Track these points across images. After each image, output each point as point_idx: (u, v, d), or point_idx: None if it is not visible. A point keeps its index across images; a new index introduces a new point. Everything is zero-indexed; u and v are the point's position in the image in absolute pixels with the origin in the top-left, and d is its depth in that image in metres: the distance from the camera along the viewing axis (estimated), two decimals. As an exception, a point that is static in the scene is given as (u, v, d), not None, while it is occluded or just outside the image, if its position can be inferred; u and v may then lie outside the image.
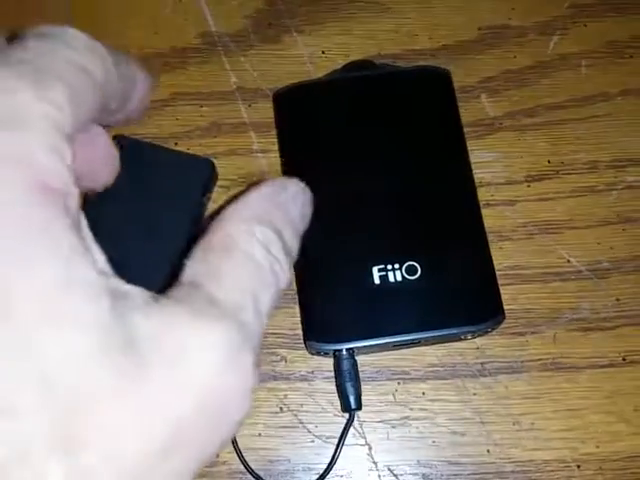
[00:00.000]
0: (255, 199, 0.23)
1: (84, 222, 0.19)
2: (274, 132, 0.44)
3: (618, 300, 0.41)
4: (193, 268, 0.21)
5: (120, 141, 0.37)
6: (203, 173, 0.38)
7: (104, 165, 0.27)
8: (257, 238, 0.22)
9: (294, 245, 0.23)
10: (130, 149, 0.37)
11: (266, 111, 0.45)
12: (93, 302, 0.16)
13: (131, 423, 0.16)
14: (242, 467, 0.38)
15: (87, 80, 0.19)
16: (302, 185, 0.25)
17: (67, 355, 0.15)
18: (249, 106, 0.45)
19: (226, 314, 0.19)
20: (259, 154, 0.44)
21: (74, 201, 0.17)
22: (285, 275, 0.22)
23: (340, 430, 0.39)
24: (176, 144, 0.44)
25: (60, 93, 0.18)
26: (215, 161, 0.41)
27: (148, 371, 0.16)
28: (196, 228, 0.38)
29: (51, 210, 0.16)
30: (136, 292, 0.18)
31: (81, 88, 0.19)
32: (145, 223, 0.36)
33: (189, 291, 0.20)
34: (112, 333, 0.16)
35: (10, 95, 0.17)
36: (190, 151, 0.43)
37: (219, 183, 0.43)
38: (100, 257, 0.18)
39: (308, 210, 0.25)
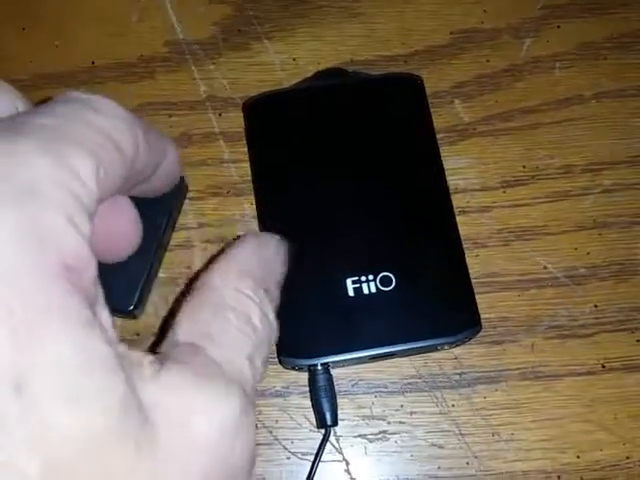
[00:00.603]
0: (240, 256, 0.24)
1: (100, 293, 0.18)
2: (245, 142, 0.43)
3: (596, 307, 0.40)
4: (187, 327, 0.21)
5: None
6: (172, 190, 0.37)
7: (125, 239, 0.27)
8: (249, 296, 0.22)
9: (277, 296, 0.24)
10: None
11: (237, 120, 0.44)
12: (110, 378, 0.16)
13: None
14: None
15: (114, 150, 0.18)
16: (280, 238, 0.26)
17: (87, 437, 0.15)
18: (219, 115, 0.44)
19: (228, 377, 0.19)
20: (230, 164, 0.43)
21: (92, 274, 0.17)
22: (275, 329, 0.23)
23: (316, 446, 0.38)
24: (145, 155, 0.43)
25: (81, 161, 0.17)
26: (184, 173, 0.40)
27: (160, 443, 0.16)
28: (163, 246, 0.36)
29: (68, 287, 0.16)
30: (142, 358, 0.18)
31: (107, 158, 0.18)
32: None
33: (188, 353, 0.19)
34: (130, 409, 0.16)
35: (28, 166, 0.16)
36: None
37: (189, 195, 0.42)
38: (109, 324, 0.17)
39: (286, 260, 0.25)
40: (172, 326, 0.21)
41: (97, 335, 0.16)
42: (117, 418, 0.15)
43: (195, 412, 0.18)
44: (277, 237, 0.26)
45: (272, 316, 0.22)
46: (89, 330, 0.16)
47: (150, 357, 0.18)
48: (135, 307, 0.33)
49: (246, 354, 0.20)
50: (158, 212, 0.36)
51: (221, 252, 0.24)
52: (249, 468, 0.19)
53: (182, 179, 0.37)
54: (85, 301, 0.16)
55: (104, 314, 0.17)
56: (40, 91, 0.44)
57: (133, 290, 0.33)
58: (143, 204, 0.35)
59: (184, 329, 0.21)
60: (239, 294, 0.22)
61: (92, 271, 0.17)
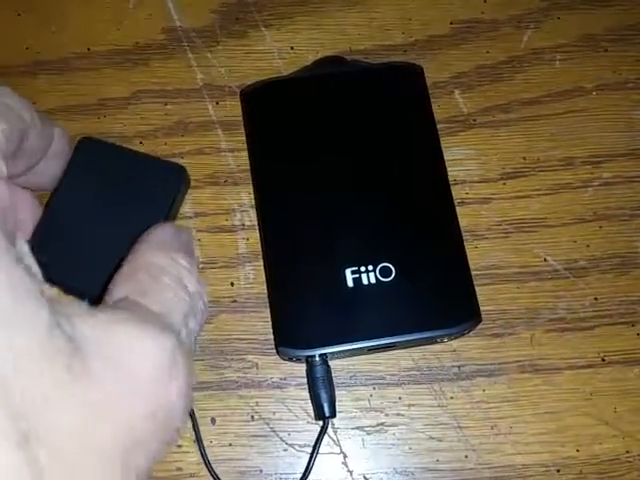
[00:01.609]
0: (166, 232, 0.26)
1: (20, 235, 0.19)
2: (243, 130, 0.42)
3: (596, 299, 0.40)
4: (123, 287, 0.22)
5: (85, 143, 0.35)
6: (174, 181, 0.36)
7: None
8: (183, 265, 0.24)
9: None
10: (97, 151, 0.35)
11: (234, 109, 0.43)
12: (35, 306, 0.17)
13: (79, 422, 0.17)
14: (212, 479, 0.37)
15: (16, 118, 0.24)
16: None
17: (16, 356, 0.16)
18: (216, 104, 0.44)
19: (165, 325, 0.20)
20: (227, 153, 0.43)
21: (13, 214, 0.19)
22: (205, 301, 0.25)
23: (314, 438, 0.37)
24: (141, 143, 0.42)
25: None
26: (185, 164, 0.39)
27: (94, 373, 0.17)
28: None
29: None
30: (77, 302, 0.19)
31: (11, 121, 0.23)
32: (112, 232, 0.33)
33: (127, 304, 0.21)
34: (55, 333, 0.17)
35: None
36: (156, 150, 0.42)
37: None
38: (37, 270, 0.19)
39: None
40: (108, 287, 0.22)
41: (18, 268, 0.17)
42: (44, 339, 0.16)
43: (130, 350, 0.18)
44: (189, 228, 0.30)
45: (201, 288, 0.24)
46: (11, 262, 0.17)
47: (87, 304, 0.19)
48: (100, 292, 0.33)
49: (181, 313, 0.22)
50: (158, 204, 0.35)
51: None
52: (184, 406, 0.19)
53: (184, 170, 0.36)
54: (9, 239, 0.17)
55: (30, 259, 0.19)
56: (36, 77, 0.43)
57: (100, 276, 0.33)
58: (143, 196, 0.35)
59: (121, 288, 0.22)
60: (173, 261, 0.24)
61: (13, 211, 0.19)
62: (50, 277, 0.21)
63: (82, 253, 0.34)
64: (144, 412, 0.18)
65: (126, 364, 0.18)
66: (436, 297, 0.37)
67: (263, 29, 0.45)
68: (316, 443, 0.37)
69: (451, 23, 0.46)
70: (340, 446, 0.38)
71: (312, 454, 0.37)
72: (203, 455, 0.37)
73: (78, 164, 0.34)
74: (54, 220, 0.34)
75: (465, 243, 0.39)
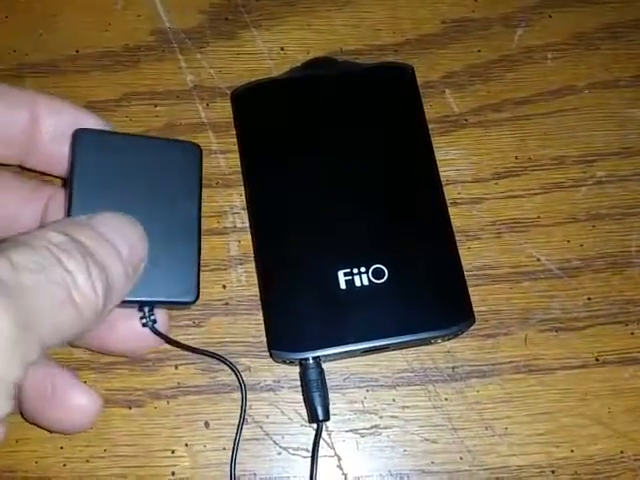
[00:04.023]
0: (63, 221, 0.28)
1: None
2: (234, 132, 0.42)
3: (589, 299, 0.40)
4: None
5: (82, 135, 0.32)
6: (194, 160, 0.35)
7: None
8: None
9: (108, 263, 0.26)
10: (99, 142, 0.32)
11: (225, 110, 0.43)
12: None
13: None
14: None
15: None
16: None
17: None
18: (207, 105, 0.43)
19: None
20: (218, 155, 0.42)
21: None
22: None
23: (308, 441, 0.37)
24: (131, 146, 0.42)
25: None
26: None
27: None
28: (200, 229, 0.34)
29: None
30: None
31: None
32: (145, 224, 0.32)
33: None
34: None
35: None
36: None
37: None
38: None
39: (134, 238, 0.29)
40: None
41: None
42: None
43: None
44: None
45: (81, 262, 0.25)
46: None
47: None
48: (197, 297, 0.33)
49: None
50: (187, 187, 0.34)
51: None
52: None
53: (198, 146, 0.35)
54: None
55: None
56: (23, 80, 0.43)
57: (191, 281, 0.33)
58: (168, 181, 0.33)
59: None
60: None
61: None
62: None
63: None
64: None
65: None
66: (429, 298, 0.37)
67: (253, 30, 0.45)
68: (314, 447, 0.36)
69: (442, 22, 0.46)
70: (334, 449, 0.37)
71: (313, 459, 0.36)
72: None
73: (84, 157, 0.31)
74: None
75: (458, 243, 0.39)
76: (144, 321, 0.33)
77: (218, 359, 0.36)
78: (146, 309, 0.33)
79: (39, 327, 0.22)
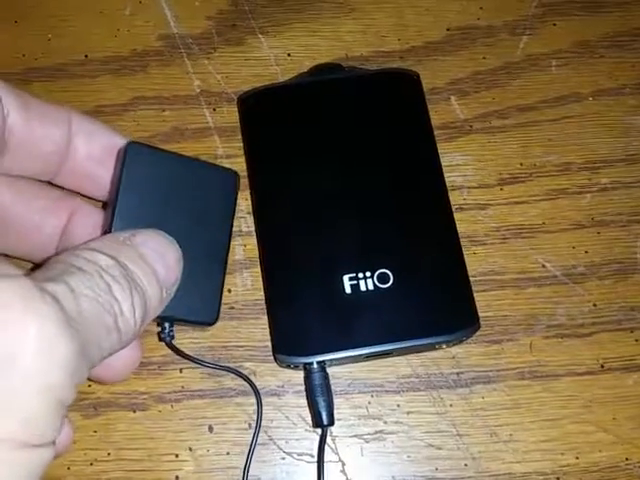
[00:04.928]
0: (106, 238, 0.28)
1: None
2: (239, 137, 0.42)
3: (595, 305, 0.40)
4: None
5: (134, 148, 0.32)
6: (231, 187, 0.35)
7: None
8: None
9: (147, 286, 0.27)
10: (147, 157, 0.32)
11: (231, 115, 0.43)
12: None
13: None
14: (210, 488, 0.37)
15: None
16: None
17: None
18: (213, 110, 0.44)
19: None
20: (224, 159, 0.42)
21: None
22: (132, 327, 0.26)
23: (312, 446, 0.37)
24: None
25: None
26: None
27: None
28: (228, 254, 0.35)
29: None
30: None
31: None
32: (178, 241, 0.31)
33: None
34: None
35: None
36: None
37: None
38: None
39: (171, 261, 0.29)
40: None
41: None
42: None
43: None
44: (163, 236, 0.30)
45: (126, 287, 0.26)
46: None
47: None
48: (216, 319, 0.34)
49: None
50: (222, 212, 0.35)
51: None
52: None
53: (237, 174, 0.36)
54: None
55: None
56: (31, 84, 0.43)
57: (213, 304, 0.34)
58: (204, 204, 0.34)
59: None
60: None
61: None
62: None
63: None
64: None
65: None
66: (434, 303, 0.37)
67: (260, 36, 0.45)
68: (319, 453, 0.36)
69: (447, 29, 0.46)
70: (338, 454, 0.37)
71: (319, 466, 0.36)
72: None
73: (132, 172, 0.31)
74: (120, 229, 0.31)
75: (463, 249, 0.39)
76: (162, 335, 0.34)
77: (238, 375, 0.37)
78: (167, 324, 0.34)
79: (91, 353, 0.23)
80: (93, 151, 0.33)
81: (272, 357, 0.38)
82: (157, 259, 0.28)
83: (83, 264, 0.25)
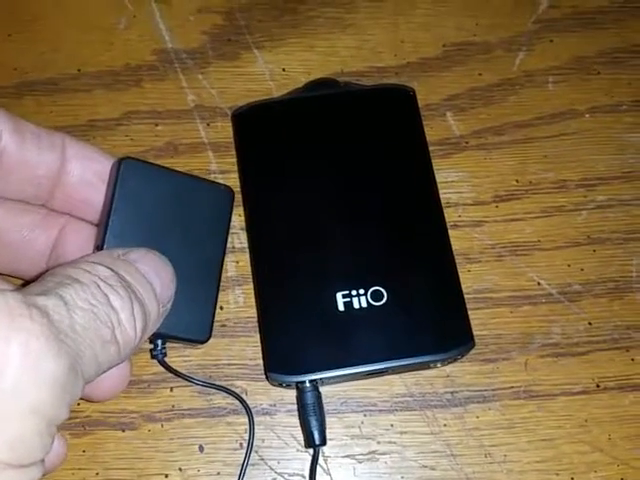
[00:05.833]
0: (102, 253, 0.28)
1: None
2: (233, 152, 0.42)
3: (590, 324, 0.39)
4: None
5: (128, 163, 0.32)
6: (226, 204, 0.35)
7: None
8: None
9: (146, 300, 0.27)
10: (141, 173, 0.32)
11: (225, 130, 0.43)
12: None
13: None
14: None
15: None
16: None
17: None
18: (207, 125, 0.43)
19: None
20: (218, 175, 0.42)
21: None
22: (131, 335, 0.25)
23: (304, 467, 0.37)
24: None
25: None
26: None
27: None
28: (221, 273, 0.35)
29: None
30: None
31: None
32: (171, 258, 0.31)
33: None
34: None
35: None
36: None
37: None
38: None
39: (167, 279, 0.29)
40: None
41: None
42: None
43: None
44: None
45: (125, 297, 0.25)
46: None
47: None
48: (209, 337, 0.34)
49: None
50: (216, 229, 0.35)
51: None
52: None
53: (232, 190, 0.36)
54: None
55: None
56: (23, 98, 0.43)
57: (206, 321, 0.34)
58: (198, 221, 0.34)
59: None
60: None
61: None
62: None
63: None
64: None
65: None
66: (429, 321, 0.37)
67: (255, 51, 0.45)
68: (311, 474, 0.36)
69: (443, 45, 0.46)
70: (330, 475, 0.37)
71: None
72: None
73: (126, 187, 0.31)
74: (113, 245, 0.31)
75: (458, 266, 0.38)
76: (155, 353, 0.34)
77: (229, 393, 0.37)
78: (159, 342, 0.34)
79: (86, 368, 0.22)
80: (86, 176, 0.32)
81: (264, 375, 0.37)
82: (153, 275, 0.28)
83: (80, 275, 0.24)
